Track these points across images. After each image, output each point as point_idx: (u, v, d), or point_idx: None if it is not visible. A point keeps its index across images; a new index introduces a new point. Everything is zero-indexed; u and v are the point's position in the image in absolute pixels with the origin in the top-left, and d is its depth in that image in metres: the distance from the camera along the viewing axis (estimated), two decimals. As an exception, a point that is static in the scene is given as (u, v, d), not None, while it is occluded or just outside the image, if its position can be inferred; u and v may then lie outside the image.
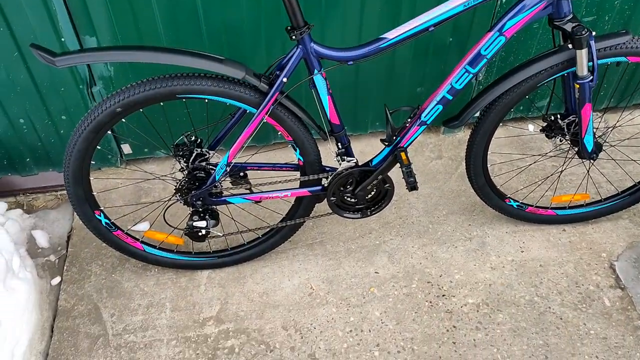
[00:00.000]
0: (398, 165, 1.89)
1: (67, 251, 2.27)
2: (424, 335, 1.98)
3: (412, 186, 1.86)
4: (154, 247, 2.10)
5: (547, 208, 2.28)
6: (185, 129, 1.92)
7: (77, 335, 2.00)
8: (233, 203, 1.92)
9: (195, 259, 2.13)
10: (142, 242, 2.07)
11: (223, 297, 2.10)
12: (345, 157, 1.87)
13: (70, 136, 1.71)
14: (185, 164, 1.86)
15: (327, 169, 1.92)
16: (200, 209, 1.89)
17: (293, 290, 2.13)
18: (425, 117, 1.82)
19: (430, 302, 2.08)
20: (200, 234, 1.92)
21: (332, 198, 1.95)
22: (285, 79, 1.66)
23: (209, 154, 1.89)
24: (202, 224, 1.88)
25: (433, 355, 1.92)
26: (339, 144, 1.85)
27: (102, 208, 1.94)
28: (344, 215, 2.00)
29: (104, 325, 2.03)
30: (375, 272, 2.18)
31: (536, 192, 2.42)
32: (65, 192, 2.47)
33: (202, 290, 2.13)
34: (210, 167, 1.87)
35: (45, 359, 1.94)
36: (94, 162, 2.23)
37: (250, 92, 1.69)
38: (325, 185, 1.92)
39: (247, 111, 1.76)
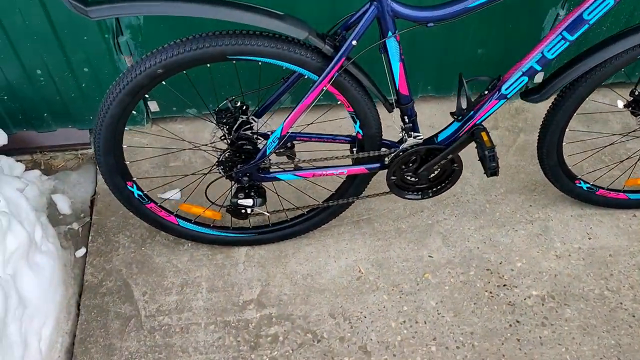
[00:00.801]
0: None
1: (91, 219, 2.08)
2: (484, 330, 1.80)
3: (493, 172, 1.64)
4: (189, 221, 1.90)
5: (619, 191, 2.06)
6: (228, 91, 1.69)
7: (106, 315, 1.83)
8: (283, 180, 1.70)
9: (233, 234, 1.94)
10: (177, 215, 1.87)
11: (264, 278, 1.92)
12: (411, 133, 1.64)
13: (103, 99, 1.48)
14: (228, 133, 1.63)
15: (389, 144, 1.70)
16: (246, 186, 1.68)
17: (340, 273, 1.94)
18: (506, 89, 1.58)
19: (491, 292, 1.89)
20: (243, 211, 1.72)
21: (392, 177, 1.73)
22: (354, 42, 1.41)
23: (255, 122, 1.66)
24: (248, 202, 1.67)
25: (496, 353, 1.75)
26: (406, 117, 1.62)
27: (134, 179, 1.72)
28: (405, 196, 1.79)
29: (136, 304, 1.85)
30: (429, 256, 1.99)
31: (608, 173, 2.20)
32: (87, 151, 2.27)
33: (241, 270, 1.95)
34: (257, 137, 1.65)
35: (73, 340, 1.78)
36: None
37: (313, 56, 1.45)
38: (387, 162, 1.70)
39: (305, 77, 1.51)
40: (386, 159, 1.70)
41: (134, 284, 1.90)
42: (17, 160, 2.17)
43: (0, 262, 1.52)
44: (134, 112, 2.10)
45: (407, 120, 1.62)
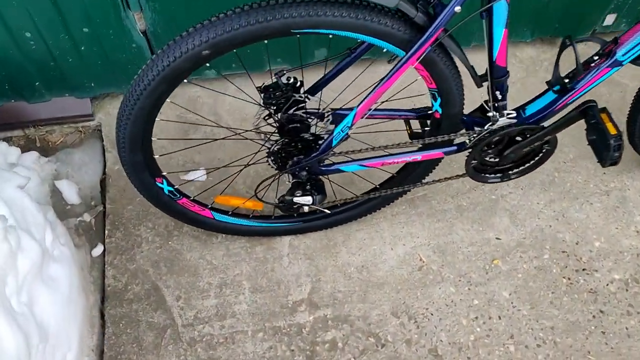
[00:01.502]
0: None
1: (104, 208, 1.78)
2: (566, 324, 1.61)
3: (614, 162, 1.37)
4: (226, 213, 1.62)
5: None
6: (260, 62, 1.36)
7: (137, 326, 1.58)
8: (346, 172, 1.42)
9: (275, 224, 1.68)
10: (212, 208, 1.59)
11: (313, 273, 1.68)
12: (504, 111, 1.35)
13: (129, 88, 1.16)
14: (276, 115, 1.33)
15: (469, 122, 1.41)
16: (304, 180, 1.39)
17: (398, 263, 1.71)
18: (624, 55, 1.29)
19: (569, 278, 1.69)
20: (297, 207, 1.44)
21: (473, 161, 1.46)
22: (457, 9, 1.10)
23: (309, 101, 1.36)
24: (307, 200, 1.39)
25: (580, 350, 1.57)
26: (498, 92, 1.33)
27: (164, 174, 1.42)
28: (486, 180, 1.53)
29: (170, 312, 1.61)
30: (497, 238, 1.76)
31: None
32: (89, 123, 1.93)
33: (286, 264, 1.70)
34: (310, 118, 1.35)
35: (101, 358, 1.54)
36: (124, 87, 1.71)
37: (400, 26, 1.13)
38: (469, 144, 1.42)
39: (374, 46, 1.20)
40: (467, 140, 1.42)
41: (165, 286, 1.65)
42: (7, 139, 1.83)
43: (14, 291, 1.25)
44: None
45: (499, 96, 1.33)
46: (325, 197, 1.42)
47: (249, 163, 1.48)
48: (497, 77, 1.29)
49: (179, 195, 1.50)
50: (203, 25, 1.07)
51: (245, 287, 1.65)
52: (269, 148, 1.37)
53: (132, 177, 1.38)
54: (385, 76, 1.19)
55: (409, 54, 1.14)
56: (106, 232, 1.74)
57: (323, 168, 1.38)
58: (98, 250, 1.69)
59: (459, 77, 1.29)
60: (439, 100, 1.33)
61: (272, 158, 1.39)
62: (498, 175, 1.54)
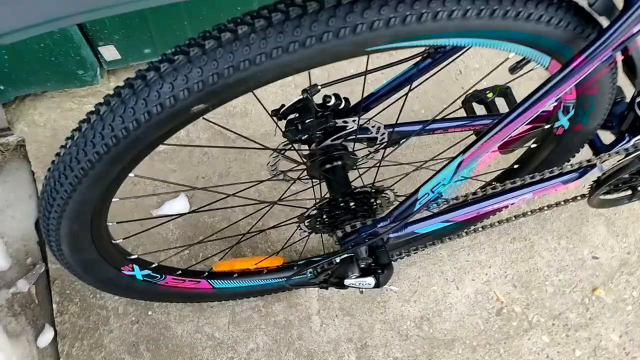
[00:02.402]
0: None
1: (47, 266, 1.24)
2: (698, 372, 1.21)
3: None
4: (229, 277, 1.10)
5: None
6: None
7: None
8: (421, 234, 0.91)
9: (302, 275, 1.17)
10: (208, 276, 1.07)
11: (357, 337, 1.21)
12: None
13: (60, 157, 0.60)
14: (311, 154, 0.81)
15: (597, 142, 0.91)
16: (361, 257, 0.88)
17: (469, 308, 1.25)
18: None
19: (693, 306, 1.27)
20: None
21: (603, 188, 0.97)
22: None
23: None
24: (368, 282, 0.89)
25: None
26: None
27: (134, 256, 0.89)
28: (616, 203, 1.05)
29: (164, 422, 1.13)
30: (594, 257, 1.31)
31: None
32: (7, 139, 1.35)
33: (317, 326, 1.22)
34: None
35: None
36: (49, 84, 1.18)
37: (564, 19, 0.58)
38: (602, 171, 0.93)
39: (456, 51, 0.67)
40: (602, 164, 0.92)
41: (152, 382, 1.15)
42: None
43: None
44: (78, 71, 1.20)
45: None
46: (393, 271, 0.91)
47: (248, 232, 0.95)
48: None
49: (160, 276, 0.97)
50: (194, 57, 0.51)
51: (266, 369, 1.18)
52: (306, 215, 0.84)
53: (84, 279, 0.84)
54: (534, 96, 0.66)
55: (585, 58, 0.61)
56: (55, 306, 1.21)
57: (401, 231, 0.86)
58: (46, 336, 1.17)
59: (615, 82, 0.77)
60: (570, 113, 0.81)
61: (310, 227, 0.87)
62: (628, 193, 1.06)
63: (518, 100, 1.05)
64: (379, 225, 0.81)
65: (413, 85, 0.83)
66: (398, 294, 1.26)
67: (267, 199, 1.27)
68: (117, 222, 0.78)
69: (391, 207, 0.82)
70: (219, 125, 0.88)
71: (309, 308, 1.24)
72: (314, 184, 0.94)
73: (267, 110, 0.67)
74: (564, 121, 0.84)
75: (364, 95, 0.86)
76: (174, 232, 1.26)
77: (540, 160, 0.97)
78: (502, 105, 1.05)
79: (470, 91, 1.04)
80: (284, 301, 1.24)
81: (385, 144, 0.90)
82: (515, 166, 1.02)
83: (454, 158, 0.71)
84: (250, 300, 1.22)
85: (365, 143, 0.91)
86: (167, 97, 0.53)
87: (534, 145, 0.96)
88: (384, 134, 0.89)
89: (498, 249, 1.31)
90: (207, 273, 1.06)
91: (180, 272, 1.00)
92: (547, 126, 0.88)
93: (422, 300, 1.26)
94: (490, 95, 1.10)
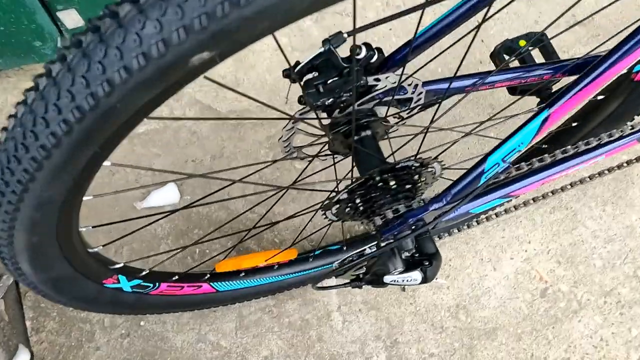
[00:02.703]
0: None
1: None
2: None
3: None
4: (235, 277, 0.93)
5: None
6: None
7: None
8: (476, 214, 0.74)
9: (319, 267, 1.00)
10: (210, 278, 0.89)
11: (385, 333, 1.05)
12: None
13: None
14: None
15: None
16: (406, 248, 0.70)
17: (510, 291, 1.09)
18: None
19: None
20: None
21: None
22: None
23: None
24: (414, 277, 0.71)
25: None
26: None
27: (119, 265, 0.70)
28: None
29: None
30: (644, 224, 1.16)
31: None
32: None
33: (339, 324, 1.05)
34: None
35: None
36: (1, 61, 0.99)
37: None
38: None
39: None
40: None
41: (152, 405, 0.98)
42: None
43: None
44: (35, 42, 1.00)
45: None
46: (441, 262, 0.74)
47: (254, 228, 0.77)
48: None
49: (153, 285, 0.79)
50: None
51: (283, 378, 1.01)
52: (331, 198, 0.66)
53: (56, 300, 0.65)
54: None
55: None
56: (28, 322, 1.02)
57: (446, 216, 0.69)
58: (21, 358, 0.99)
59: None
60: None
61: (337, 213, 0.69)
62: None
63: (556, 50, 0.89)
64: (432, 208, 0.63)
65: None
66: (428, 280, 1.09)
67: (274, 184, 1.09)
68: (92, 227, 0.59)
69: (434, 185, 0.65)
70: (222, 85, 0.69)
71: (328, 304, 1.07)
72: (336, 160, 0.76)
73: (287, 59, 0.47)
74: (648, 62, 0.67)
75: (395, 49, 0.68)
76: (163, 226, 1.08)
77: (606, 114, 0.80)
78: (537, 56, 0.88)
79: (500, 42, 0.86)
80: (298, 298, 1.06)
81: (421, 105, 0.72)
82: (574, 124, 0.85)
83: (536, 114, 0.54)
84: (259, 299, 1.05)
85: (397, 106, 0.73)
86: (153, 41, 0.34)
87: (599, 97, 0.79)
88: (420, 93, 0.71)
89: (537, 221, 1.15)
90: (209, 275, 0.88)
91: (177, 277, 0.82)
92: (624, 70, 0.71)
93: (456, 286, 1.10)
94: (523, 44, 0.93)
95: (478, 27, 0.56)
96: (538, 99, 0.88)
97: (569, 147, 0.68)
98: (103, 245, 0.64)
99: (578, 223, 1.15)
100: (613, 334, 1.07)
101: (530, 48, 0.93)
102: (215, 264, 0.88)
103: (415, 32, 0.64)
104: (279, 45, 0.42)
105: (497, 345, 1.06)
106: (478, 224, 1.04)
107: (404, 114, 0.74)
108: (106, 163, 0.47)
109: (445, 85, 0.72)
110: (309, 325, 1.05)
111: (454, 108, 1.20)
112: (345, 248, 1.00)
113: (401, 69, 0.64)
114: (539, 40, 0.92)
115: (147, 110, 0.41)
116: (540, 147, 0.86)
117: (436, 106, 0.66)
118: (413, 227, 0.65)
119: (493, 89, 0.82)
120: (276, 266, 0.96)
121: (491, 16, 0.55)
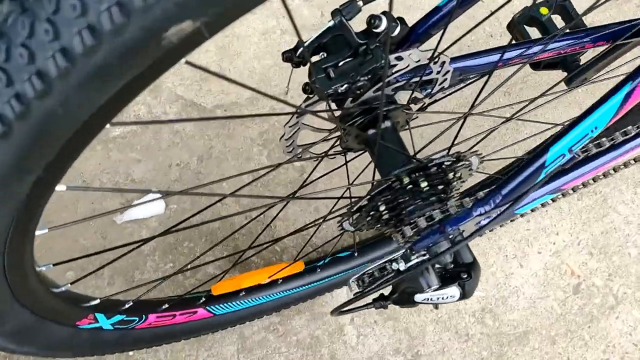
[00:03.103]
0: None
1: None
2: None
3: None
4: (235, 297, 0.81)
5: None
6: None
7: None
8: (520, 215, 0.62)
9: (330, 277, 0.89)
10: (205, 301, 0.77)
11: (405, 346, 0.94)
12: None
13: None
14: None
15: None
16: (448, 263, 0.59)
17: (539, 290, 0.99)
18: None
19: None
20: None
21: None
22: None
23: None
24: (452, 293, 0.60)
25: None
26: None
27: (95, 301, 0.57)
28: None
29: None
30: (679, 206, 1.05)
31: None
32: None
33: (353, 340, 0.94)
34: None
35: None
36: None
37: None
38: None
39: None
40: None
41: None
42: None
43: None
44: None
45: None
46: (480, 272, 0.62)
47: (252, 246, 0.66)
48: None
49: (140, 318, 0.66)
50: None
51: (295, 406, 0.89)
52: (352, 208, 0.54)
53: (22, 352, 0.53)
54: None
55: None
56: (0, 361, 0.89)
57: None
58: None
59: None
60: None
61: (353, 220, 0.57)
62: None
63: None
64: (476, 213, 0.52)
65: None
66: (449, 283, 0.98)
67: (272, 187, 0.96)
68: (53, 265, 0.47)
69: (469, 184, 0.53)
70: (212, 73, 0.57)
71: (339, 318, 0.95)
72: (348, 159, 0.64)
73: (298, 33, 0.35)
74: None
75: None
76: (149, 243, 0.95)
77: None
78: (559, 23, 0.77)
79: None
80: (306, 312, 0.95)
81: (447, 86, 0.61)
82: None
83: (615, 88, 0.42)
84: (262, 318, 0.93)
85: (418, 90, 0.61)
86: (104, 7, 0.22)
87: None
88: (447, 72, 0.59)
89: (564, 209, 1.04)
90: (204, 298, 0.76)
91: (166, 305, 0.70)
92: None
93: (480, 287, 0.98)
94: (545, 11, 0.81)
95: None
96: (565, 73, 0.76)
97: (631, 128, 0.56)
98: (71, 283, 0.51)
99: (609, 209, 1.04)
100: (655, 331, 0.97)
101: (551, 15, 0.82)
102: (212, 287, 0.75)
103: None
104: (288, 11, 0.29)
105: (530, 351, 0.95)
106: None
107: (428, 99, 0.62)
108: (60, 188, 0.35)
109: (474, 62, 0.60)
110: (319, 342, 0.93)
111: (467, 90, 1.08)
112: (356, 254, 0.89)
113: (428, 47, 0.52)
114: (561, 5, 0.81)
115: (107, 114, 0.29)
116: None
117: (474, 89, 0.54)
118: (453, 238, 0.53)
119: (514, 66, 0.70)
120: (280, 281, 0.84)
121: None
